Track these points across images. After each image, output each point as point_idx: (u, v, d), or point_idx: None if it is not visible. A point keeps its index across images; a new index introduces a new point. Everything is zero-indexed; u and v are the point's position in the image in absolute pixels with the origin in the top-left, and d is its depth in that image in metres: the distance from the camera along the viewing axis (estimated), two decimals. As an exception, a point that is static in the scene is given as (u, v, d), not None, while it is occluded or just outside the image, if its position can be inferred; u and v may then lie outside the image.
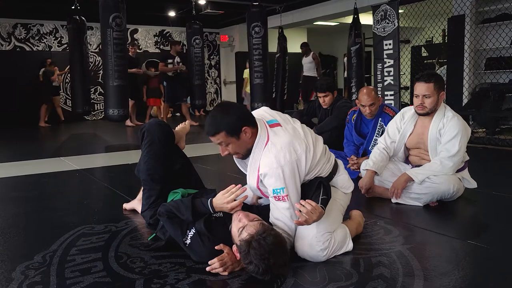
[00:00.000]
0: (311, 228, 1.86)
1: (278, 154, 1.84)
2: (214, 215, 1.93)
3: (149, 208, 2.30)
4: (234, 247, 1.77)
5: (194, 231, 1.87)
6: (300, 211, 1.77)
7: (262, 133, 1.90)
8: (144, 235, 2.31)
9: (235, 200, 1.85)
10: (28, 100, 9.53)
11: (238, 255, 1.74)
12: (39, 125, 9.31)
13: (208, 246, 1.83)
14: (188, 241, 1.88)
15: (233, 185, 1.87)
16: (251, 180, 1.96)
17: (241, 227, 1.75)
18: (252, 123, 1.89)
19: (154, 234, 2.17)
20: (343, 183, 2.14)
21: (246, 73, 9.87)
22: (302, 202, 1.79)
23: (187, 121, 2.80)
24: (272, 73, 9.95)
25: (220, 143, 1.89)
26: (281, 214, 1.88)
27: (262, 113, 2.04)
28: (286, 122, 2.01)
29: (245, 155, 1.94)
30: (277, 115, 2.03)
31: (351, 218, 2.27)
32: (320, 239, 1.87)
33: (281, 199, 1.85)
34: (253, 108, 7.89)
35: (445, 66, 6.86)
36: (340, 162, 2.19)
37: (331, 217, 1.97)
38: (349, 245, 2.00)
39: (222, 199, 1.86)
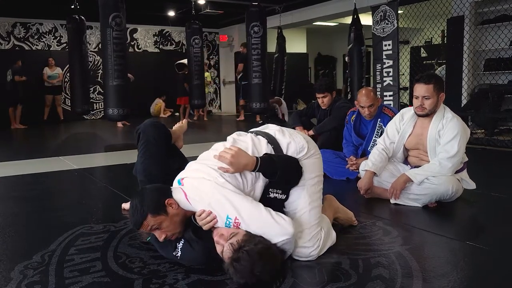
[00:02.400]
0: (305, 232, 1.87)
1: (199, 192, 1.79)
2: None
3: None
4: None
5: (183, 242, 1.85)
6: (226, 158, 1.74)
7: (178, 195, 1.84)
8: (143, 235, 2.31)
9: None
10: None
11: None
12: (12, 127, 8.89)
13: (199, 250, 1.82)
14: (179, 254, 1.85)
15: (203, 210, 1.78)
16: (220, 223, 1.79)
17: (221, 251, 1.72)
18: (170, 194, 1.84)
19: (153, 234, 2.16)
20: (294, 149, 1.96)
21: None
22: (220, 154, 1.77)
23: (184, 120, 2.79)
24: (270, 73, 9.97)
25: (152, 228, 1.79)
26: (261, 230, 1.74)
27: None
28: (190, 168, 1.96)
29: (182, 231, 1.86)
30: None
31: (326, 206, 2.20)
32: (313, 242, 1.88)
33: (236, 225, 1.73)
34: (250, 108, 7.86)
35: (444, 66, 6.86)
36: (273, 130, 2.05)
37: (316, 211, 1.94)
38: (333, 235, 2.02)
39: (198, 221, 1.81)
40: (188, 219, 1.86)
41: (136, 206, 1.79)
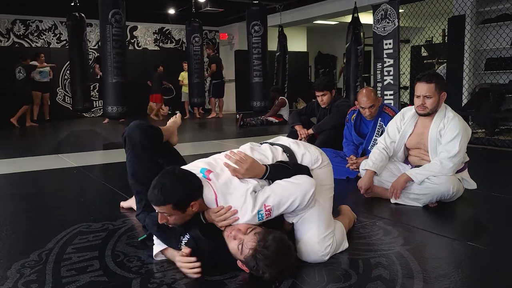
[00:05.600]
0: (313, 232, 1.85)
1: (234, 193, 1.79)
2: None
3: (143, 211, 2.26)
4: (239, 263, 1.74)
5: (188, 237, 1.82)
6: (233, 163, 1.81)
7: (208, 194, 1.79)
8: (141, 234, 2.29)
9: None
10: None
11: (246, 269, 1.72)
12: (11, 122, 8.74)
13: (203, 248, 1.79)
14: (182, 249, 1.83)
15: (222, 206, 1.77)
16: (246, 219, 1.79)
17: (239, 244, 1.70)
18: (201, 194, 1.78)
19: (145, 235, 2.14)
20: (309, 160, 2.03)
21: (182, 75, 10.24)
22: (230, 153, 1.87)
23: (177, 114, 2.73)
24: (272, 72, 9.99)
25: (161, 212, 1.75)
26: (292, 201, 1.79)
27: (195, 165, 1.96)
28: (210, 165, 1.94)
29: (183, 225, 1.85)
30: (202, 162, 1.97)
31: (342, 214, 2.25)
32: (322, 244, 1.85)
33: (267, 213, 1.77)
34: (252, 107, 7.88)
35: (445, 65, 6.84)
36: (287, 140, 2.11)
37: (326, 213, 1.94)
38: (345, 244, 2.00)
39: (213, 217, 1.79)
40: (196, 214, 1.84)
41: (165, 188, 1.69)
